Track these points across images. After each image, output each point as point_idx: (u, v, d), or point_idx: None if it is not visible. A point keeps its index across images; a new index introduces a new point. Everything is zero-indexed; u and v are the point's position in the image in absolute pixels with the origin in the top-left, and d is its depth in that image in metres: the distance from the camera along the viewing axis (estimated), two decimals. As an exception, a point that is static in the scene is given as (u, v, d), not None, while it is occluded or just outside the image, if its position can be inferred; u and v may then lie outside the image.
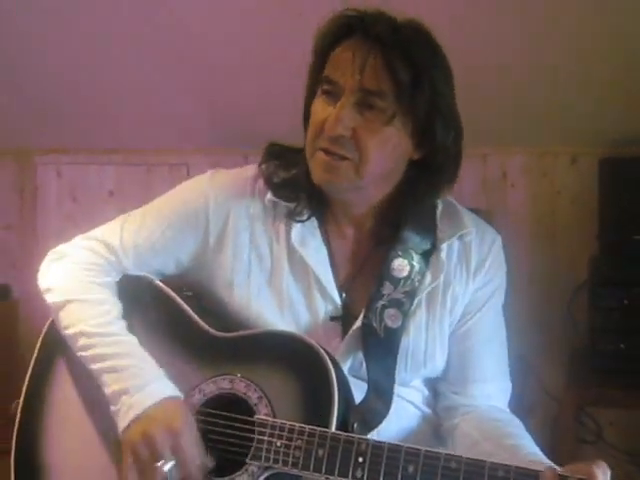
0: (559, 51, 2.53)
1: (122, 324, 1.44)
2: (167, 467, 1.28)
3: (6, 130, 3.20)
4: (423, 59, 1.34)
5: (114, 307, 1.46)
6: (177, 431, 1.30)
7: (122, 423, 1.33)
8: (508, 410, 1.51)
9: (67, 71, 2.91)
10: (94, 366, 1.38)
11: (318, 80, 1.38)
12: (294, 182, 1.43)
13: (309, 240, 1.44)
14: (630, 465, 2.77)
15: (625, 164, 2.63)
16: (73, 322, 1.43)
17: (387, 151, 1.35)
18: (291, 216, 1.43)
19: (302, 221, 1.43)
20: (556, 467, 1.19)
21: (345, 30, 1.36)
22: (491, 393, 1.49)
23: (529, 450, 1.33)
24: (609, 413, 2.81)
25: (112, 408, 1.35)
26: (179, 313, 1.46)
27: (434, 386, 1.52)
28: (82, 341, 1.40)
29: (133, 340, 1.42)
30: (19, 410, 1.49)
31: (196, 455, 1.31)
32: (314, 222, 1.45)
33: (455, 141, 1.41)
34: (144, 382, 1.35)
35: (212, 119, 2.98)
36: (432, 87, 1.34)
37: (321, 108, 1.36)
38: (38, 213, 3.31)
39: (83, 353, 1.40)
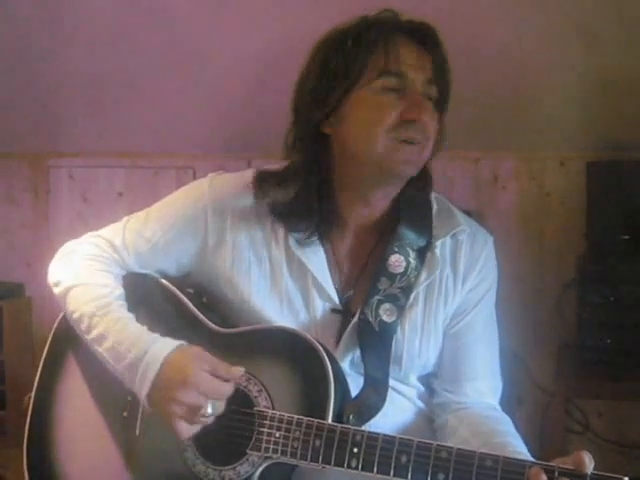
0: (551, 58, 2.54)
1: (121, 303, 1.43)
2: (209, 411, 1.28)
3: (21, 135, 3.22)
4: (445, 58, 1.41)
5: (115, 290, 1.44)
6: (195, 381, 1.27)
7: (144, 401, 1.31)
8: (499, 408, 1.50)
9: (79, 79, 2.92)
10: (98, 348, 1.37)
11: (368, 74, 1.35)
12: (300, 204, 1.42)
13: (307, 242, 1.44)
14: (616, 454, 2.78)
15: (612, 167, 2.64)
16: (77, 306, 1.42)
17: (434, 134, 1.39)
18: (302, 242, 1.43)
19: (312, 242, 1.43)
20: (541, 463, 1.19)
21: (392, 28, 1.37)
22: (483, 391, 1.48)
23: (516, 449, 1.32)
24: (596, 404, 2.82)
25: (129, 386, 1.34)
26: (182, 310, 1.46)
27: (428, 382, 1.51)
28: (85, 323, 1.39)
29: (129, 316, 1.40)
30: (31, 404, 1.49)
31: (221, 384, 1.29)
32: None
33: None
34: (141, 353, 1.32)
35: (217, 125, 2.99)
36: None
37: (390, 102, 1.35)
38: (50, 214, 3.32)
39: (87, 336, 1.39)
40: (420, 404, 1.48)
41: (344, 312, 1.43)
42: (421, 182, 1.45)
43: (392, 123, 1.34)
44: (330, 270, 1.43)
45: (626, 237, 2.57)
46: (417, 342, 1.43)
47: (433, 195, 1.49)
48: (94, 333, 1.38)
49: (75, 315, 1.42)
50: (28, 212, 3.36)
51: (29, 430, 1.48)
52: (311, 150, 1.41)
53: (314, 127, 1.39)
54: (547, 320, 2.83)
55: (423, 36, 1.37)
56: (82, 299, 1.42)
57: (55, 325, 1.52)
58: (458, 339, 1.46)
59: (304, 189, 1.41)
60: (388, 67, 1.34)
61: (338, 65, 1.36)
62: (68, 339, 1.47)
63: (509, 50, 2.54)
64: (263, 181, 1.45)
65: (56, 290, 1.47)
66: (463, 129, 2.79)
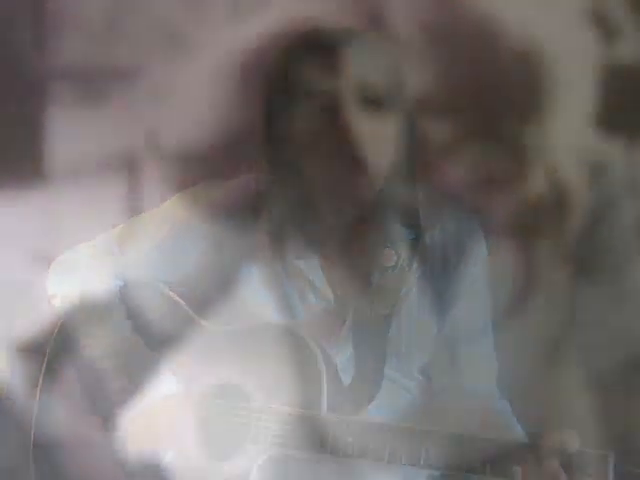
0: (551, 61, 2.55)
1: (119, 322, 1.46)
2: None
3: (25, 134, 3.22)
4: None
5: (114, 307, 1.48)
6: None
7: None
8: (495, 389, 1.52)
9: (78, 79, 2.93)
10: (96, 367, 1.41)
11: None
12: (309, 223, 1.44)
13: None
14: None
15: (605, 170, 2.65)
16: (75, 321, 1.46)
17: None
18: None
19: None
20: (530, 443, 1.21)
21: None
22: (479, 374, 1.51)
23: (512, 428, 1.35)
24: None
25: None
26: (176, 310, 1.48)
27: (424, 371, 1.53)
28: (82, 340, 1.43)
29: (131, 339, 1.44)
30: (36, 399, 1.51)
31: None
32: None
33: None
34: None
35: (219, 125, 2.99)
36: None
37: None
38: (56, 214, 3.32)
39: (85, 354, 1.43)
40: (417, 393, 1.50)
41: (340, 309, 1.45)
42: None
43: None
44: (323, 269, 1.45)
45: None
46: (414, 332, 1.45)
47: (419, 186, 1.50)
48: (91, 353, 1.41)
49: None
50: (34, 211, 3.36)
51: (35, 426, 1.50)
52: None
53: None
54: (543, 318, 2.84)
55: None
56: (80, 315, 1.45)
57: (55, 332, 1.54)
58: (452, 325, 1.48)
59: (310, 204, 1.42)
60: None
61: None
62: (71, 337, 1.49)
63: (509, 55, 2.55)
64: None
65: (54, 303, 1.51)
66: (458, 131, 2.80)
